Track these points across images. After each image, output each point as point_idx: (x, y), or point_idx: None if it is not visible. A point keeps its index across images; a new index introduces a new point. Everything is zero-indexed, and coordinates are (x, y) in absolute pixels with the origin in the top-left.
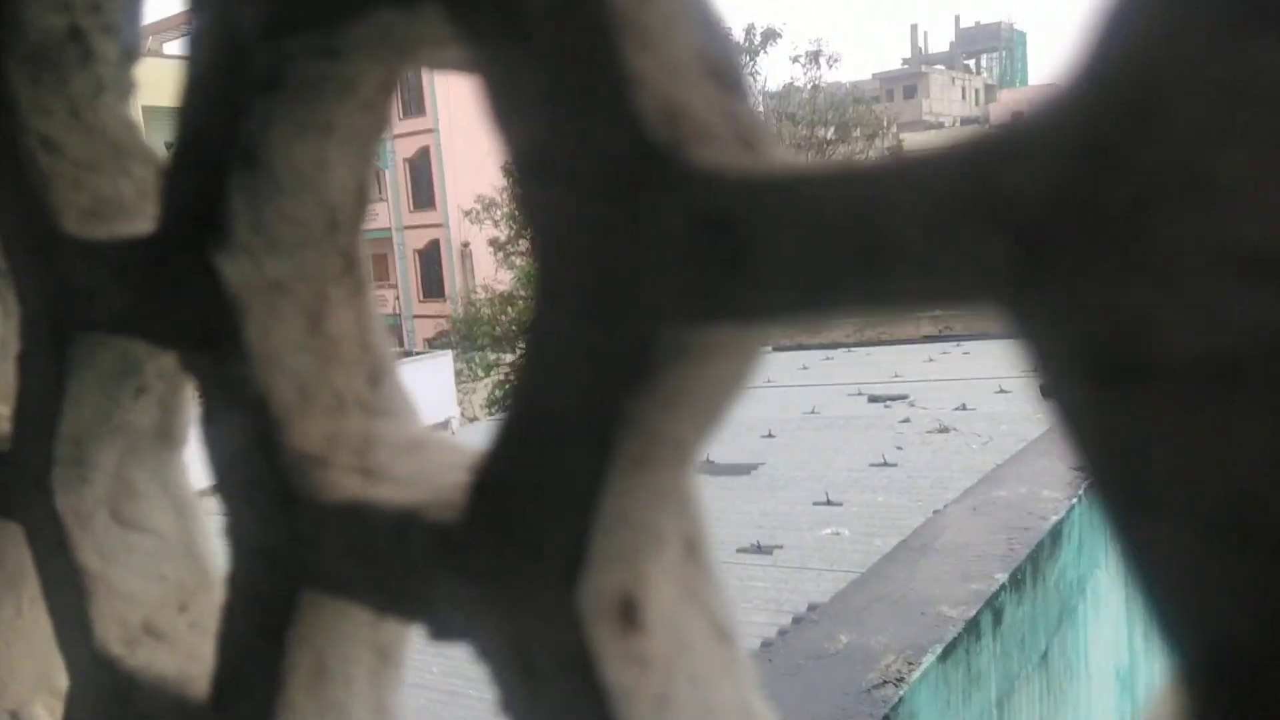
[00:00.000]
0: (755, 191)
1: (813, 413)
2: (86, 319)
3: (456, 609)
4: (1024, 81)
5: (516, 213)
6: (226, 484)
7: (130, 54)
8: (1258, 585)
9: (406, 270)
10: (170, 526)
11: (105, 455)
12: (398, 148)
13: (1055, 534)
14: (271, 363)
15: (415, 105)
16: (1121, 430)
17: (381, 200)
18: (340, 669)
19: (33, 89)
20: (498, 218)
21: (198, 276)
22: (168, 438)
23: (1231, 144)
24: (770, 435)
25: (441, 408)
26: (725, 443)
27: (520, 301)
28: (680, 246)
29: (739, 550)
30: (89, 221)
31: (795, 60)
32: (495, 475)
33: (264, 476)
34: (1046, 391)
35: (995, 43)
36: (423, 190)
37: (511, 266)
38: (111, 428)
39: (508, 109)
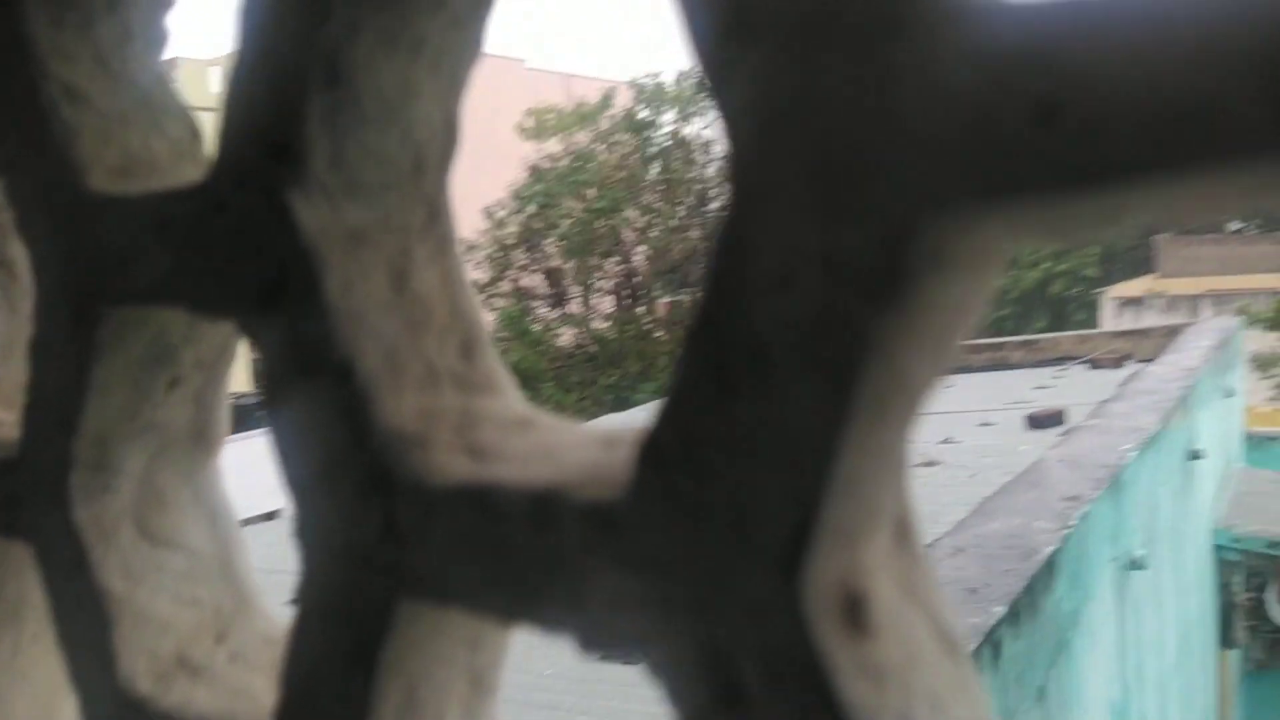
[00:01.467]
0: (1069, 19)
1: None
2: (118, 291)
3: (620, 609)
4: None
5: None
6: (299, 470)
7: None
8: None
9: None
10: (204, 542)
11: (132, 458)
12: None
13: (1050, 566)
14: (356, 323)
15: None
16: None
17: None
18: (433, 699)
19: (54, 31)
20: (478, 260)
21: (265, 222)
22: (202, 439)
23: None
24: None
25: None
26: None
27: (501, 343)
28: (964, 106)
29: None
30: (119, 180)
31: None
32: (677, 434)
33: (350, 459)
34: None
35: None
36: None
37: (493, 309)
38: (140, 426)
39: None
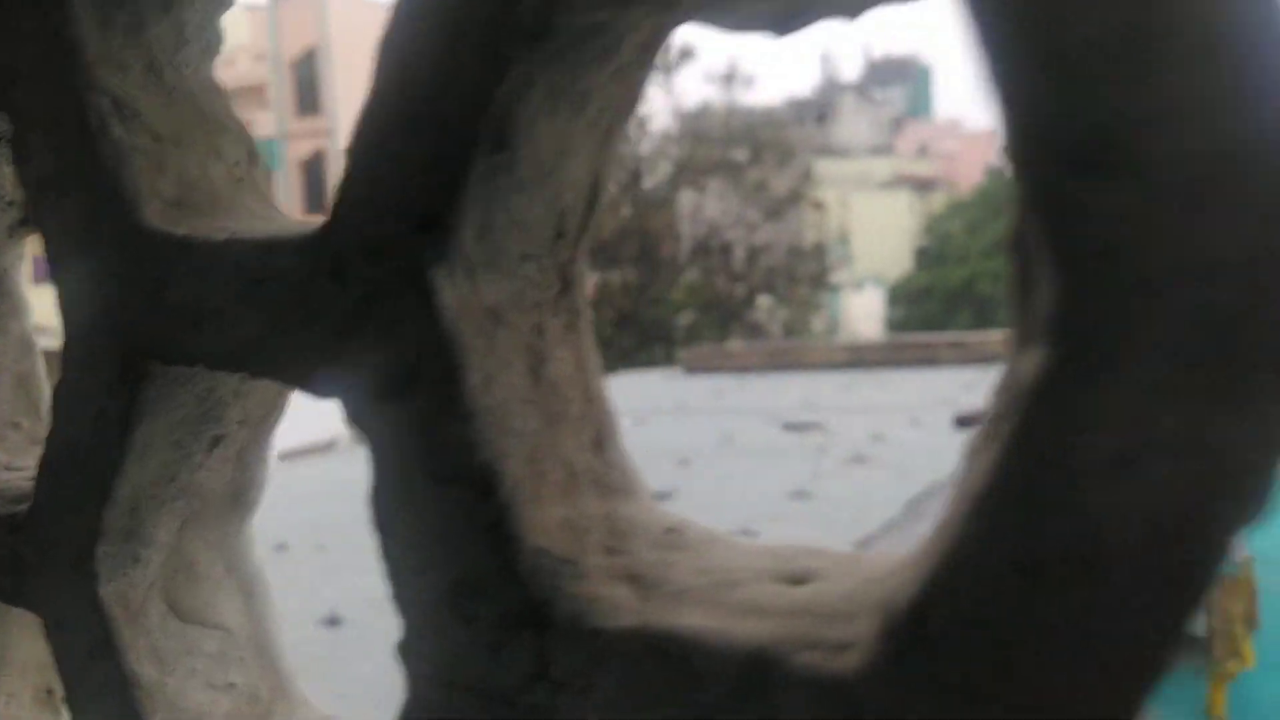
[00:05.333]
0: None
1: (729, 440)
2: (183, 349)
3: None
4: (929, 113)
5: None
6: (419, 589)
7: None
8: None
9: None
10: (238, 618)
11: (163, 526)
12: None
13: None
14: (499, 423)
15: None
16: None
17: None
18: None
19: (102, 34)
20: None
21: (398, 302)
22: (239, 502)
23: None
24: (685, 462)
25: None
26: (639, 470)
27: None
28: None
29: None
30: (174, 214)
31: (710, 80)
32: (959, 621)
33: (491, 584)
34: None
35: (903, 75)
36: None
37: None
38: (176, 489)
39: None
